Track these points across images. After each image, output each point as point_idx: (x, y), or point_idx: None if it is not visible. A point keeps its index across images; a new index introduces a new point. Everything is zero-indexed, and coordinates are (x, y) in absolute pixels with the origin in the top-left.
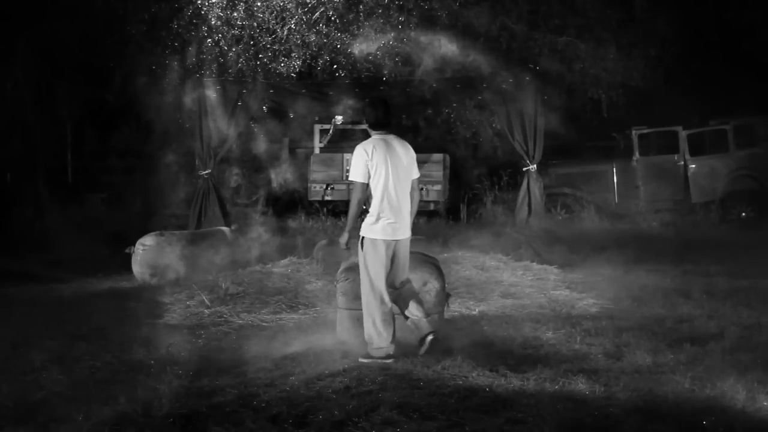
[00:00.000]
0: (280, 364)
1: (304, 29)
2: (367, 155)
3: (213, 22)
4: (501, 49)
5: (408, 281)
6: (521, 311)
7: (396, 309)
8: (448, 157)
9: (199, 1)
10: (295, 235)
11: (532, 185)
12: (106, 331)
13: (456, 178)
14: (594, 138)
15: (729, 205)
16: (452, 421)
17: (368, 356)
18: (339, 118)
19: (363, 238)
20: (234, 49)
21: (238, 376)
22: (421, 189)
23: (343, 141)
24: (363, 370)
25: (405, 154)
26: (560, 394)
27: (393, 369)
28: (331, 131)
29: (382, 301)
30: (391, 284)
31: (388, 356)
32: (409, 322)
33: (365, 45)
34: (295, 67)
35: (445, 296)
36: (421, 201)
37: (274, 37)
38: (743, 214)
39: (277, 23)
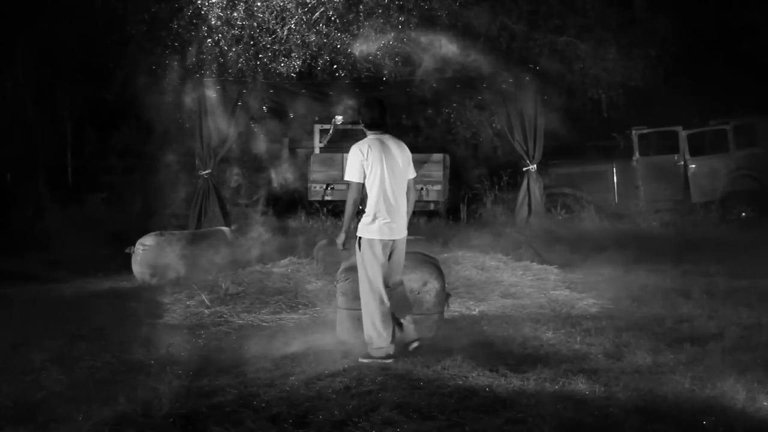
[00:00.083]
0: (280, 364)
1: (304, 29)
2: (363, 155)
3: (213, 22)
4: (501, 49)
5: (401, 283)
6: (521, 311)
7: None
8: (448, 157)
9: (199, 1)
10: (295, 235)
11: (532, 185)
12: (106, 331)
13: (456, 178)
14: (594, 138)
15: (729, 205)
16: (452, 421)
17: (368, 356)
18: (339, 118)
19: (360, 238)
20: (234, 49)
21: (238, 376)
22: (421, 189)
23: (343, 141)
24: (363, 370)
25: (401, 154)
26: (560, 394)
27: (393, 369)
28: (331, 131)
29: (382, 301)
30: (383, 283)
31: (388, 356)
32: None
33: (365, 45)
34: (295, 67)
35: (445, 296)
36: (421, 201)
37: (274, 37)
38: (743, 214)
39: (277, 23)
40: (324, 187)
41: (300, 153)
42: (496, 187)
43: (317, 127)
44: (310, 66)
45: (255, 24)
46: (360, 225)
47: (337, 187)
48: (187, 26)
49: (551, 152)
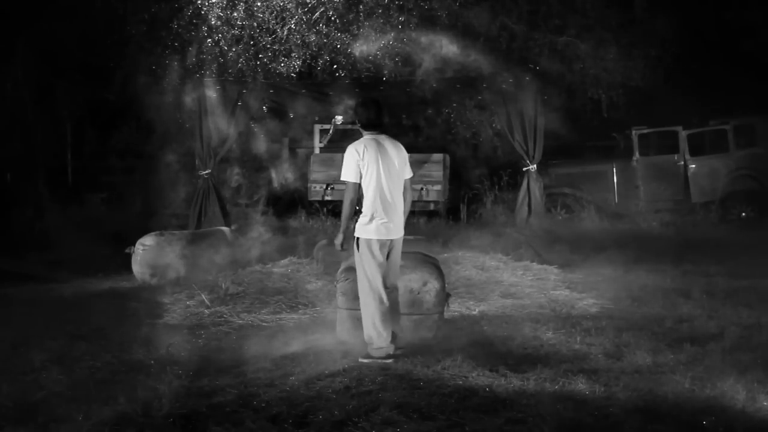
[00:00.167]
0: (280, 364)
1: (304, 29)
2: (359, 155)
3: (213, 22)
4: (501, 49)
5: (395, 289)
6: (521, 311)
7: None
8: (448, 157)
9: (199, 1)
10: (295, 235)
11: (532, 185)
12: (106, 331)
13: (456, 178)
14: (594, 138)
15: (729, 205)
16: (452, 421)
17: (368, 356)
18: (339, 118)
19: (358, 239)
20: (234, 49)
21: (238, 376)
22: (421, 189)
23: (343, 141)
24: (363, 370)
25: (397, 154)
26: (560, 394)
27: (393, 369)
28: (331, 131)
29: (381, 301)
30: (382, 283)
31: (388, 356)
32: None
33: (365, 45)
34: (295, 67)
35: (445, 296)
36: (421, 201)
37: (274, 37)
38: (743, 214)
39: (277, 23)
40: (324, 187)
41: (300, 153)
42: (496, 187)
43: (317, 127)
44: (310, 66)
45: (255, 24)
46: (357, 225)
47: (337, 187)
48: (187, 26)
49: (551, 152)
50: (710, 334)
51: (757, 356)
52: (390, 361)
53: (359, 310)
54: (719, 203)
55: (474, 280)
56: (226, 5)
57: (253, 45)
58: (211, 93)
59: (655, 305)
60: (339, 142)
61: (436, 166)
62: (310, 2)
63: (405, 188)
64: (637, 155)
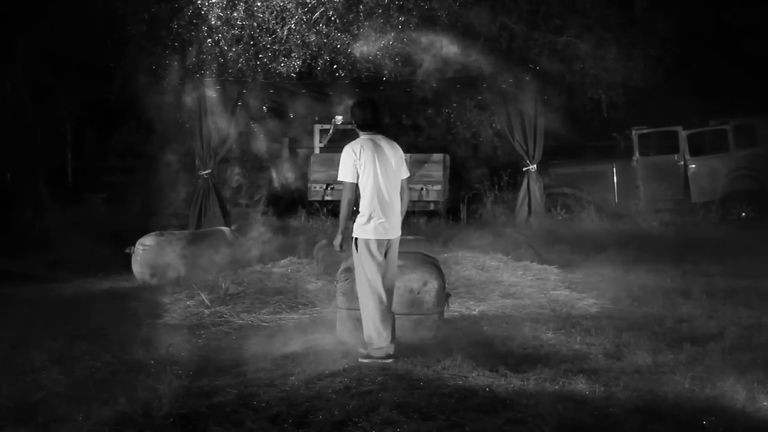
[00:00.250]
0: (280, 364)
1: (304, 29)
2: (355, 155)
3: (213, 22)
4: (501, 49)
5: (391, 293)
6: (521, 311)
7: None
8: (448, 157)
9: (199, 1)
10: (295, 235)
11: (532, 185)
12: (106, 331)
13: (456, 178)
14: (594, 138)
15: (729, 205)
16: (452, 421)
17: (368, 356)
18: (339, 118)
19: (356, 239)
20: (234, 49)
21: (238, 376)
22: (421, 189)
23: (343, 141)
24: (363, 370)
25: (393, 154)
26: (560, 394)
27: (393, 369)
28: (331, 131)
29: (380, 301)
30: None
31: (388, 356)
32: None
33: (365, 45)
34: (295, 67)
35: (445, 296)
36: (421, 201)
37: (274, 37)
38: (743, 214)
39: (277, 23)
40: (324, 187)
41: (300, 153)
42: (496, 187)
43: (317, 127)
44: (310, 66)
45: (255, 24)
46: (355, 226)
47: (337, 187)
48: (187, 26)
49: (551, 152)
50: (710, 334)
51: (757, 356)
52: (390, 361)
53: (359, 310)
54: (719, 203)
55: (474, 280)
56: (226, 5)
57: (253, 45)
58: (211, 93)
59: (655, 305)
60: (339, 142)
61: (436, 166)
62: (310, 2)
63: (402, 188)
64: (637, 155)
